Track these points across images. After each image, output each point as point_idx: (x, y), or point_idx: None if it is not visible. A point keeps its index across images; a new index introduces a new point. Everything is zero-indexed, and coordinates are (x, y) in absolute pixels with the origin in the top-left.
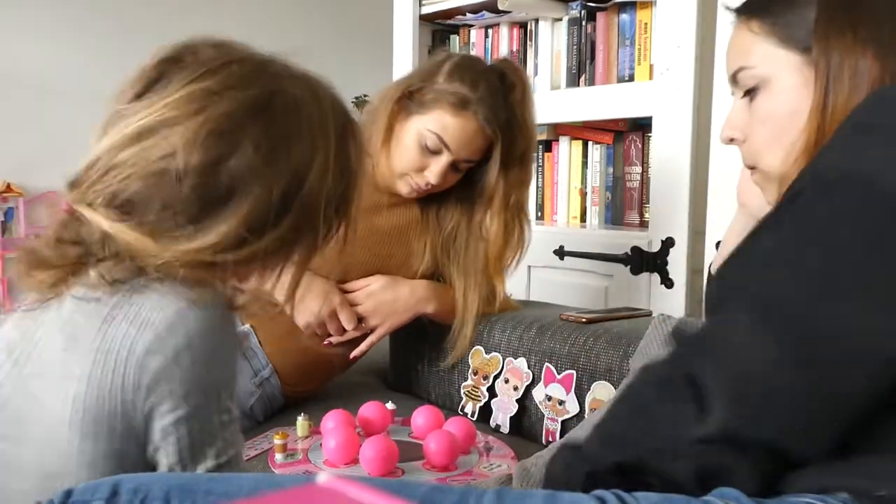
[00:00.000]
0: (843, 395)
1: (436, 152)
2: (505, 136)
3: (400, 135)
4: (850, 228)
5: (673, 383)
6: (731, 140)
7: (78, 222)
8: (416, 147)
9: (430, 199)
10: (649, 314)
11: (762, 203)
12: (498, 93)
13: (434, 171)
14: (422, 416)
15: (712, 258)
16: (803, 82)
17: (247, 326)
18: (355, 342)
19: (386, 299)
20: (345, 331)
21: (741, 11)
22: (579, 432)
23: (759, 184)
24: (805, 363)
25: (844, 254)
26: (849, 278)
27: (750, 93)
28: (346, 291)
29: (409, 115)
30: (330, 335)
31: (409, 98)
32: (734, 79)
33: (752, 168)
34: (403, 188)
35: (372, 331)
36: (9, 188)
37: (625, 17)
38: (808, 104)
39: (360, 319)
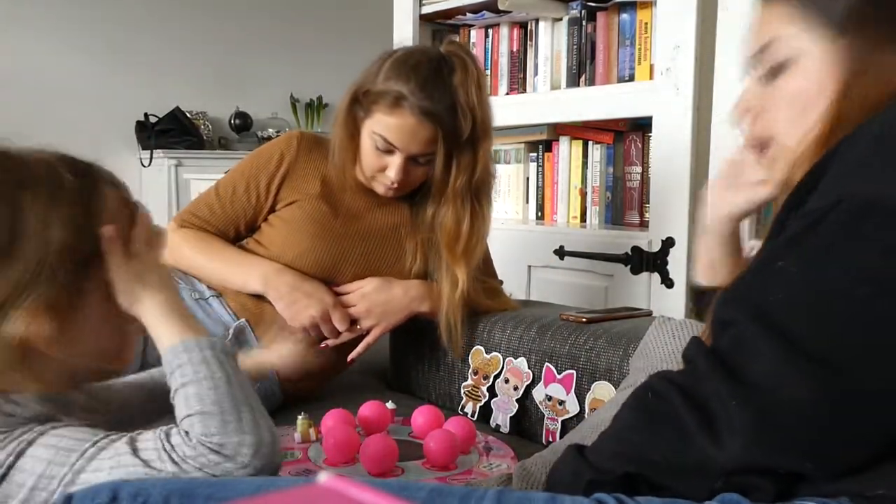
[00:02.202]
0: (873, 430)
1: (388, 152)
2: (446, 122)
3: (360, 139)
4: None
5: (685, 405)
6: (743, 118)
7: None
8: (371, 150)
9: (417, 197)
10: (649, 314)
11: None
12: (433, 80)
13: (393, 170)
14: (422, 416)
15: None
16: (829, 67)
17: (242, 320)
18: (350, 345)
19: (379, 300)
20: (339, 333)
21: None
22: (580, 433)
23: (767, 164)
24: (836, 403)
25: (884, 289)
26: (885, 312)
27: (772, 70)
28: (339, 294)
29: (361, 119)
30: (325, 338)
31: (357, 103)
32: (759, 55)
33: (760, 146)
34: (378, 188)
35: (367, 332)
36: None
37: (625, 17)
38: (832, 89)
39: (355, 321)
